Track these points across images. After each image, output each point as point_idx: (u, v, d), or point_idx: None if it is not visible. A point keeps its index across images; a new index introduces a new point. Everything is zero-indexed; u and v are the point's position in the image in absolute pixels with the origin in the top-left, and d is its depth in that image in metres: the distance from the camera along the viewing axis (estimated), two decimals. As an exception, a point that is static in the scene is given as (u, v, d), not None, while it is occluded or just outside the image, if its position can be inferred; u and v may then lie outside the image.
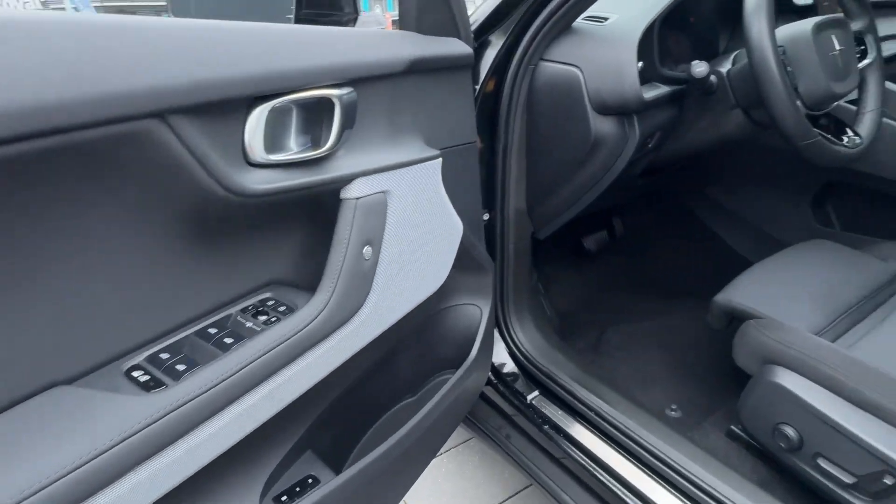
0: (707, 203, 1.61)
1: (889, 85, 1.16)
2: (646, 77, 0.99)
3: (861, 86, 1.07)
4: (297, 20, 0.72)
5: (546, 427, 1.10)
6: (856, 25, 1.04)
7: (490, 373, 1.25)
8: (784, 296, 1.02)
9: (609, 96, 0.92)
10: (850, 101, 1.12)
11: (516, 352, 1.24)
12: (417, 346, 0.95)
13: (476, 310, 1.00)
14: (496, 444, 1.22)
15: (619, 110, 0.94)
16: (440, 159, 0.72)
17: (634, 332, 1.52)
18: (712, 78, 1.02)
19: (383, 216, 0.61)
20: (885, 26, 1.38)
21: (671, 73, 1.03)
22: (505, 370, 1.26)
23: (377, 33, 0.67)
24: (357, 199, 0.58)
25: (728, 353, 1.00)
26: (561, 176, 1.08)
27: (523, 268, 1.25)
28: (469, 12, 1.03)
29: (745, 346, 0.96)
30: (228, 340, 0.51)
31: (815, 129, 0.92)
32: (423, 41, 0.71)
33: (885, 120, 1.15)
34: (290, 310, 0.56)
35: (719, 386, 1.29)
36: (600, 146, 0.98)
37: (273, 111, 0.50)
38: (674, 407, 1.21)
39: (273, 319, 0.54)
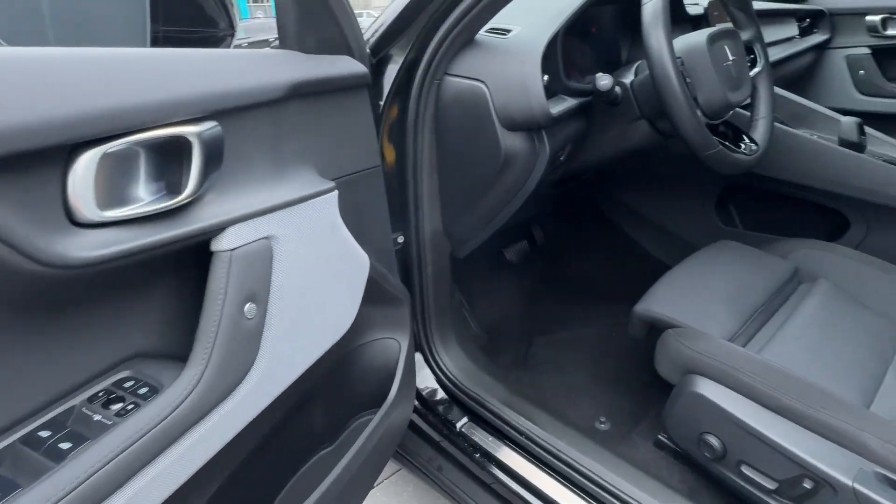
0: (623, 209, 1.64)
1: (777, 90, 1.22)
2: (552, 90, 0.97)
3: (753, 93, 1.11)
4: (154, 41, 0.62)
5: (477, 455, 1.05)
6: (745, 35, 1.08)
7: (417, 401, 1.19)
8: (698, 302, 1.03)
9: (516, 112, 0.89)
10: (744, 107, 1.16)
11: (443, 378, 1.19)
12: (331, 390, 0.87)
13: (394, 343, 0.93)
14: (429, 477, 1.16)
15: (528, 126, 0.91)
16: (336, 192, 0.65)
17: (561, 343, 1.52)
18: (617, 89, 1.02)
19: (268, 266, 0.53)
20: (769, 33, 1.45)
21: (577, 86, 1.02)
22: (432, 398, 1.20)
23: (250, 55, 0.59)
24: (232, 250, 0.50)
25: (653, 359, 1.00)
26: (475, 194, 1.04)
27: (444, 289, 1.20)
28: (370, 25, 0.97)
29: (666, 357, 0.96)
30: (65, 445, 0.40)
31: (716, 138, 0.94)
32: (307, 61, 0.63)
33: (776, 124, 1.21)
34: (154, 390, 0.46)
35: (646, 393, 1.30)
36: (511, 163, 0.94)
37: (108, 157, 0.40)
38: (602, 419, 1.20)
39: (130, 407, 0.44)
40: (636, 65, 1.06)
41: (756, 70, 1.08)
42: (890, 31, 1.85)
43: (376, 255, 0.82)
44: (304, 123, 0.62)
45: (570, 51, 1.07)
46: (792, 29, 1.85)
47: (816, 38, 1.91)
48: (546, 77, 0.91)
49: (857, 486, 0.71)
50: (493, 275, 1.71)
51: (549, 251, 1.82)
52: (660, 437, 1.07)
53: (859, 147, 1.20)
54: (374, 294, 0.83)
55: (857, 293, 1.07)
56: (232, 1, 0.75)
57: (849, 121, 1.22)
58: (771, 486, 0.81)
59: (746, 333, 0.98)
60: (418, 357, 1.22)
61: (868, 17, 1.87)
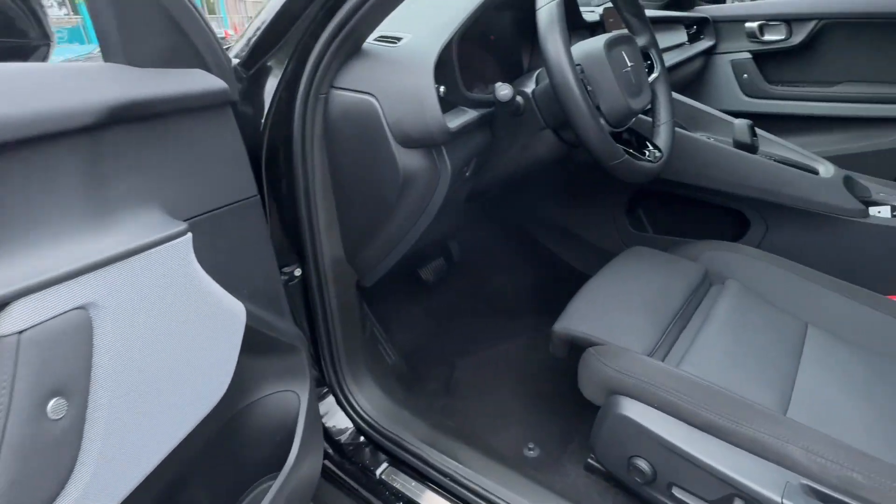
0: (538, 220, 1.61)
1: (674, 95, 1.23)
2: (451, 102, 0.90)
3: (653, 99, 1.10)
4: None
5: None
6: (640, 41, 1.07)
7: (332, 449, 1.07)
8: (616, 316, 1.00)
9: (412, 128, 0.81)
10: (645, 113, 1.15)
11: (359, 420, 1.08)
12: (216, 463, 0.74)
13: (291, 395, 0.81)
14: (350, 534, 1.04)
15: (425, 142, 0.83)
16: (189, 234, 0.53)
17: (486, 362, 1.45)
18: (518, 99, 0.97)
19: (84, 345, 0.41)
20: (661, 40, 1.48)
21: (479, 97, 0.96)
22: (349, 443, 1.08)
23: (57, 70, 0.46)
24: (19, 333, 0.37)
25: (577, 377, 0.95)
26: (376, 218, 0.94)
27: (352, 321, 1.09)
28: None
29: (589, 377, 0.92)
30: None
31: (621, 147, 0.91)
32: (137, 78, 0.51)
33: (676, 129, 1.21)
34: None
35: (574, 412, 1.26)
36: (412, 183, 0.86)
37: None
38: (531, 446, 1.14)
39: None
40: (537, 73, 1.01)
41: (654, 76, 1.08)
42: (767, 37, 1.97)
43: (258, 300, 0.71)
44: (139, 155, 0.50)
45: (469, 59, 1.01)
46: (681, 35, 1.92)
47: (704, 43, 2.00)
48: (442, 88, 0.83)
49: (785, 501, 0.69)
50: (408, 297, 1.62)
51: (467, 267, 1.76)
52: (589, 460, 1.02)
53: (752, 148, 1.24)
54: (260, 345, 0.71)
55: (762, 291, 1.09)
56: (43, 8, 0.60)
57: (741, 123, 1.25)
58: (703, 507, 0.78)
59: (665, 344, 0.96)
60: (330, 401, 1.10)
61: (747, 24, 1.99)
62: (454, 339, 1.54)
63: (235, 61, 0.87)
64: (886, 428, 0.81)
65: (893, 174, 1.42)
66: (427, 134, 0.80)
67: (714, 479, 0.75)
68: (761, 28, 1.98)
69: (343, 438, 1.08)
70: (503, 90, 0.86)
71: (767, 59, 2.00)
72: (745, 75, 2.01)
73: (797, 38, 1.93)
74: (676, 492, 0.80)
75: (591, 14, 1.40)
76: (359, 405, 1.08)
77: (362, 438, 1.09)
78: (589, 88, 0.91)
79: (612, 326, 0.97)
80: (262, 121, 0.88)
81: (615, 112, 0.92)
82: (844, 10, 1.84)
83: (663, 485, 0.82)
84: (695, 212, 1.36)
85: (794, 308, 1.07)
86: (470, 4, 0.90)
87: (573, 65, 0.83)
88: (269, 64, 0.88)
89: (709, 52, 2.06)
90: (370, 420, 1.06)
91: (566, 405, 1.30)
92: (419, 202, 0.89)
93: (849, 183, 1.21)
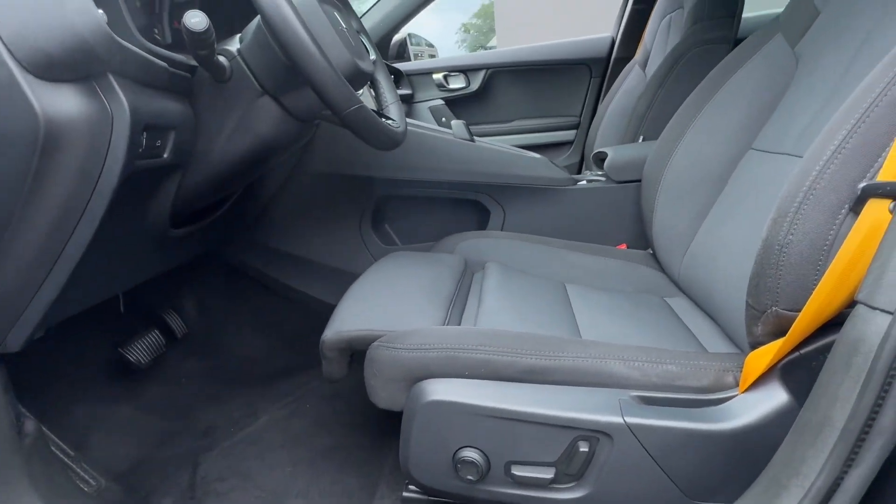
0: (273, 255, 1.36)
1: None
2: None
3: (374, 83, 1.04)
4: None
5: None
6: (355, 24, 1.00)
7: None
8: (394, 304, 0.84)
9: (48, 38, 0.52)
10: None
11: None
12: None
13: None
14: None
15: (77, 64, 0.55)
16: None
17: (244, 443, 1.10)
18: (222, 59, 0.77)
19: None
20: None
21: (163, 52, 0.72)
22: None
23: None
24: None
25: (366, 397, 0.73)
26: None
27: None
28: None
29: (380, 376, 0.71)
30: None
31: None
32: None
33: (411, 128, 1.18)
34: None
35: (371, 447, 1.02)
36: (63, 141, 0.56)
37: None
38: None
39: None
40: (239, 35, 0.84)
41: (372, 58, 1.02)
42: (452, 85, 2.25)
43: None
44: None
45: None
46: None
47: (402, 91, 2.16)
48: (102, 13, 0.58)
49: (628, 419, 0.60)
50: (114, 392, 1.16)
51: (196, 339, 1.38)
52: (405, 493, 0.79)
53: (472, 142, 1.29)
54: None
55: (519, 265, 1.09)
56: None
57: (458, 123, 1.30)
58: (549, 474, 0.64)
59: (454, 318, 0.84)
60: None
61: (434, 76, 2.24)
62: (193, 432, 1.14)
63: None
64: (658, 333, 0.83)
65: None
66: (78, 43, 0.53)
67: (552, 431, 0.62)
68: (446, 78, 2.24)
69: None
70: (194, 17, 0.65)
71: (457, 104, 2.26)
72: (444, 118, 2.22)
73: (475, 86, 2.24)
74: (517, 470, 0.64)
75: None
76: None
77: None
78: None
79: (393, 314, 0.80)
80: None
81: (342, 66, 0.80)
82: (504, 60, 2.23)
83: (500, 469, 0.65)
84: (440, 212, 1.33)
85: (549, 273, 1.09)
86: None
87: (293, 5, 0.68)
88: None
89: (408, 101, 2.23)
90: None
91: (356, 445, 1.06)
92: (81, 176, 0.59)
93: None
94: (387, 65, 2.04)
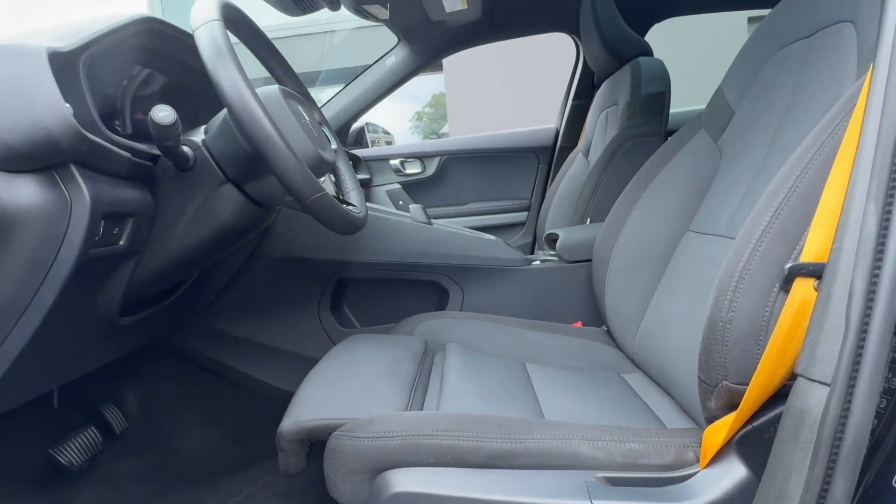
0: (218, 337, 1.31)
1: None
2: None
3: (335, 170, 1.08)
4: None
5: None
6: (317, 116, 1.05)
7: None
8: (354, 390, 0.82)
9: (12, 131, 0.53)
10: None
11: None
12: None
13: None
14: None
15: (40, 154, 0.55)
16: None
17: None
18: (186, 150, 0.79)
19: None
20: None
21: (125, 142, 0.73)
22: None
23: None
24: None
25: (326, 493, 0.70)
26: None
27: None
28: None
29: (341, 468, 0.68)
30: None
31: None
32: None
33: (370, 212, 1.21)
34: None
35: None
36: (14, 231, 0.55)
37: None
38: None
39: None
40: (204, 126, 0.86)
41: (334, 147, 1.06)
42: (409, 170, 2.34)
43: None
44: None
45: (126, 93, 0.79)
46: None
47: (361, 177, 2.23)
48: (69, 107, 0.60)
49: (595, 502, 0.60)
50: (40, 496, 1.05)
51: (137, 436, 1.28)
52: None
53: (430, 225, 1.33)
54: None
55: (478, 346, 1.10)
56: None
57: (415, 207, 1.35)
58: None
59: (417, 401, 0.82)
60: None
61: (391, 161, 2.33)
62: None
63: None
64: (618, 410, 0.84)
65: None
66: (43, 137, 0.53)
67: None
68: (402, 163, 2.33)
69: None
70: (162, 111, 0.68)
71: (414, 188, 2.34)
72: (401, 202, 2.28)
73: (430, 171, 2.34)
74: (487, 563, 0.62)
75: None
76: None
77: None
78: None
79: (354, 401, 0.79)
80: None
81: (305, 156, 0.84)
82: (458, 148, 2.35)
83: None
84: (399, 294, 1.34)
85: (509, 352, 1.10)
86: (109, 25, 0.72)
87: (254, 91, 0.72)
88: None
89: (366, 185, 2.30)
90: None
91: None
92: (32, 265, 0.57)
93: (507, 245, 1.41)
94: (346, 151, 2.13)
